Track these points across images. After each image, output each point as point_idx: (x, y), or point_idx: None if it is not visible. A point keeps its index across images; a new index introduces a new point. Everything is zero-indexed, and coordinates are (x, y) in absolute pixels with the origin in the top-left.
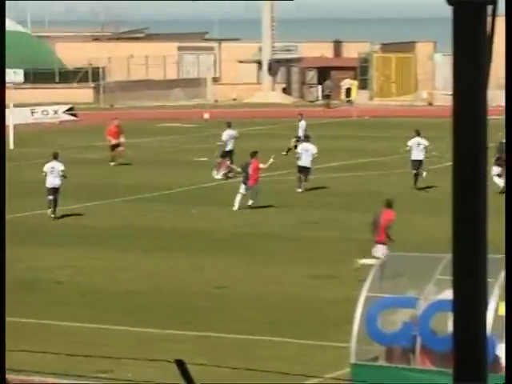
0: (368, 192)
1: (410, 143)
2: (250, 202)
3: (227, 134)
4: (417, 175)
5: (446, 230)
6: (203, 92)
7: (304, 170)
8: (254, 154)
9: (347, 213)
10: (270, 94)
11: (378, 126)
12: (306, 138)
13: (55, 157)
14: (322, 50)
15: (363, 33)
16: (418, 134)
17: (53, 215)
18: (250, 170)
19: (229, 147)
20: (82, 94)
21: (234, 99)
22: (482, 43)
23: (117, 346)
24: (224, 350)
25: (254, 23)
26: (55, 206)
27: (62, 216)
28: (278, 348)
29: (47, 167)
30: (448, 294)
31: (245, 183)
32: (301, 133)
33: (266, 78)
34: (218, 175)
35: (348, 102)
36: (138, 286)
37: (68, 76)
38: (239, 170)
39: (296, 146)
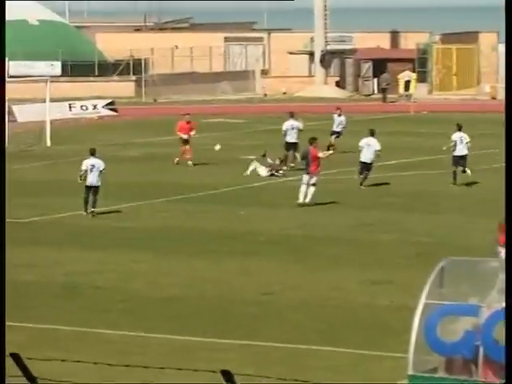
0: (427, 192)
1: (454, 138)
2: (309, 198)
3: (289, 124)
4: (455, 172)
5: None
6: (251, 85)
7: (364, 167)
8: (312, 141)
9: (405, 214)
10: (322, 87)
11: (437, 121)
12: (371, 133)
13: (92, 153)
14: (378, 41)
15: (422, 22)
16: (460, 129)
17: (87, 212)
18: (310, 158)
19: (292, 139)
20: (123, 87)
21: (284, 93)
22: None
23: (157, 355)
24: (271, 360)
25: (306, 12)
26: (93, 205)
27: (101, 216)
28: (329, 358)
29: (87, 164)
30: None
31: (307, 172)
32: (339, 128)
33: (318, 71)
34: (264, 172)
35: (406, 96)
36: (181, 291)
37: (108, 68)
38: (291, 165)
39: (330, 147)
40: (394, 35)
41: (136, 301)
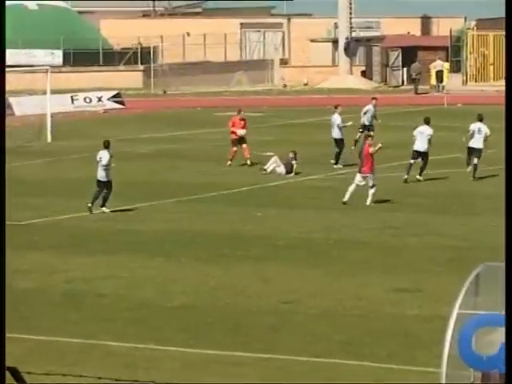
0: (459, 192)
1: (471, 127)
2: (369, 200)
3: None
4: (476, 165)
5: None
6: (269, 76)
7: (419, 155)
8: (367, 137)
9: (435, 216)
10: (347, 77)
11: (472, 115)
12: (426, 121)
13: (105, 145)
14: (407, 27)
15: (456, 7)
16: (481, 120)
17: (88, 207)
18: (363, 156)
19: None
20: (130, 78)
21: (306, 84)
22: None
23: (168, 368)
24: (291, 375)
25: None
26: (102, 204)
27: (106, 218)
28: (355, 372)
29: (97, 157)
30: None
31: (359, 171)
32: (367, 121)
33: (343, 60)
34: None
35: (439, 87)
36: (193, 299)
37: (114, 57)
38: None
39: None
40: (425, 21)
41: (144, 310)
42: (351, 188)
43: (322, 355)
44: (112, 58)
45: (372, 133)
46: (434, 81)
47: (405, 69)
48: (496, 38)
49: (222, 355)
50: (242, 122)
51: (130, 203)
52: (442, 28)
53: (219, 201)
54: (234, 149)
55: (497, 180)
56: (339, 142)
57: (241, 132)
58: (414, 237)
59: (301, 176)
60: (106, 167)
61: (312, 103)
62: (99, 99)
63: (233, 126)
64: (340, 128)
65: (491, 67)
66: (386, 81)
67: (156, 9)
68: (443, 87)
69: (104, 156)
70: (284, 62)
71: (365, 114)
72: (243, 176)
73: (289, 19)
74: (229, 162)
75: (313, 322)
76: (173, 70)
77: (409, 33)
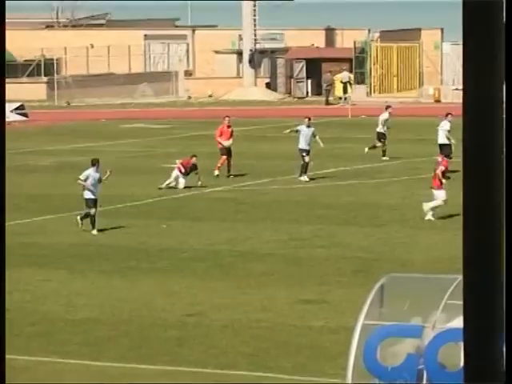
0: (364, 203)
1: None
2: (429, 214)
3: (443, 123)
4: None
5: (455, 246)
6: (174, 87)
7: (442, 148)
8: (444, 153)
9: (341, 227)
10: (251, 89)
11: (375, 126)
12: (447, 115)
13: (93, 163)
14: (311, 39)
15: (359, 19)
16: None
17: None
18: (437, 169)
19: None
20: (34, 90)
21: (210, 96)
22: (496, 30)
23: (72, 382)
24: None
25: (233, 7)
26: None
27: (8, 231)
28: None
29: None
30: (459, 322)
31: (431, 187)
32: (383, 129)
33: (247, 72)
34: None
35: (345, 98)
36: (97, 313)
37: (17, 69)
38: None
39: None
40: (329, 32)
41: (48, 323)
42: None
43: (228, 367)
44: (15, 69)
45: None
46: (338, 92)
47: (309, 80)
48: (399, 50)
49: (128, 368)
50: (230, 130)
51: (33, 216)
52: (346, 40)
53: (124, 213)
54: (224, 157)
55: (400, 191)
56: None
57: (227, 143)
58: (320, 248)
59: (206, 188)
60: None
61: (216, 115)
62: None
63: (220, 135)
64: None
65: (395, 79)
66: (290, 92)
67: (59, 20)
68: (349, 98)
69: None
70: (188, 74)
71: (385, 122)
72: (148, 188)
73: (193, 31)
74: (216, 172)
75: (218, 335)
76: (77, 81)
77: (313, 44)
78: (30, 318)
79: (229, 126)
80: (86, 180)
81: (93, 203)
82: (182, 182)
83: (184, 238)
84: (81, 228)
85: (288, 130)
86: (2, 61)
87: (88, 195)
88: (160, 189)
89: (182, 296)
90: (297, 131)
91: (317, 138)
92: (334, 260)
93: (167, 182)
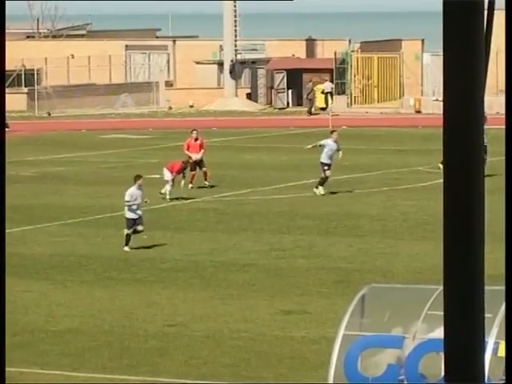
0: (345, 214)
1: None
2: None
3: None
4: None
5: (436, 257)
6: (155, 98)
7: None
8: None
9: (322, 238)
10: (232, 100)
11: (356, 137)
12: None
13: (135, 180)
14: (292, 50)
15: (340, 29)
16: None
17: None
18: None
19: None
20: (14, 100)
21: (191, 106)
22: (477, 40)
23: None
24: None
25: (214, 18)
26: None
27: None
28: None
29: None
30: (439, 332)
31: None
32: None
33: (228, 82)
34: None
35: (324, 109)
36: (78, 323)
37: None
38: None
39: None
40: (310, 43)
41: (28, 334)
42: None
43: (209, 378)
44: None
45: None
46: (319, 103)
47: (290, 91)
48: (380, 61)
49: (108, 379)
50: (198, 143)
51: (14, 226)
52: (327, 50)
53: (104, 224)
54: (193, 172)
55: (381, 201)
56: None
57: (196, 156)
58: (301, 258)
59: (186, 198)
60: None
61: (197, 125)
62: None
63: (188, 148)
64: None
65: (375, 89)
66: (271, 103)
67: (40, 31)
68: (328, 109)
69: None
70: (169, 84)
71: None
72: None
73: (174, 41)
74: (190, 185)
75: (199, 345)
76: (57, 92)
77: (294, 55)
78: (10, 328)
79: (196, 139)
80: (134, 199)
81: (132, 223)
82: (168, 188)
83: (165, 248)
84: (128, 250)
85: (311, 146)
86: (2, 64)
87: (130, 215)
88: (161, 193)
89: (162, 306)
90: (320, 145)
91: (340, 152)
92: (315, 270)
93: (168, 189)
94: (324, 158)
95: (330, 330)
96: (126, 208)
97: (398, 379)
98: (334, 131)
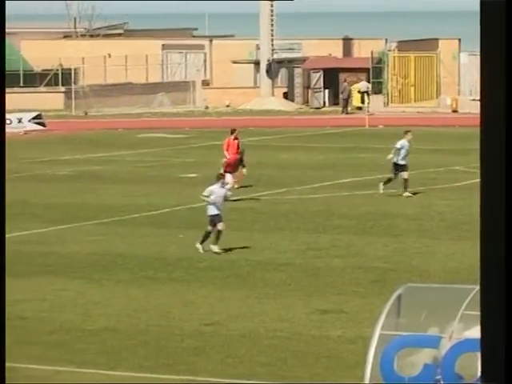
0: (382, 213)
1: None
2: None
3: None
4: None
5: (472, 257)
6: (191, 97)
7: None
8: None
9: (359, 237)
10: (268, 99)
11: (392, 136)
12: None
13: (218, 178)
14: (329, 49)
15: (377, 29)
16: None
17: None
18: None
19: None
20: (51, 99)
21: (228, 105)
22: None
23: None
24: None
25: (251, 17)
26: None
27: (26, 241)
28: None
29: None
30: (476, 332)
31: None
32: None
33: (265, 82)
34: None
35: (360, 108)
36: (114, 322)
37: (35, 79)
38: None
39: None
40: (347, 42)
41: (65, 333)
42: None
43: (245, 377)
44: (33, 79)
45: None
46: (356, 102)
47: (326, 90)
48: (417, 60)
49: (144, 378)
50: (237, 142)
51: (51, 225)
52: (364, 49)
53: (141, 222)
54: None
55: (418, 201)
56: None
57: (231, 156)
58: (337, 258)
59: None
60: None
61: (234, 124)
62: (19, 120)
63: (227, 148)
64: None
65: (412, 88)
66: (307, 102)
67: (77, 30)
68: (365, 108)
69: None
70: (206, 84)
71: (398, 150)
72: (165, 197)
73: (210, 40)
74: (235, 186)
75: (235, 344)
76: (94, 91)
77: (330, 54)
78: (47, 327)
79: (236, 138)
80: (209, 196)
81: (218, 219)
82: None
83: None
84: (199, 247)
85: (391, 155)
86: (2, 64)
87: (212, 211)
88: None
89: (199, 305)
90: (398, 149)
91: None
92: (351, 270)
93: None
94: (399, 160)
95: (367, 330)
96: (208, 204)
97: (435, 379)
98: (408, 131)
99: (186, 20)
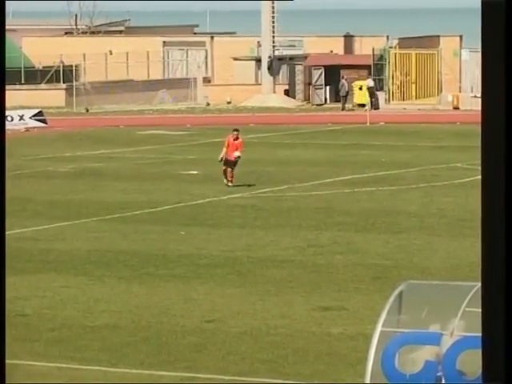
0: (383, 210)
1: None
2: None
3: None
4: None
5: (473, 254)
6: (193, 94)
7: None
8: None
9: (360, 234)
10: (269, 96)
11: (394, 133)
12: None
13: None
14: (330, 46)
15: (378, 26)
16: None
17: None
18: None
19: None
20: (53, 96)
21: (229, 102)
22: None
23: None
24: None
25: (252, 14)
26: None
27: (28, 237)
28: None
29: None
30: (477, 329)
31: None
32: None
33: (266, 78)
34: None
35: (372, 104)
36: (116, 319)
37: (36, 76)
38: None
39: None
40: (348, 39)
41: (67, 329)
42: None
43: (246, 374)
44: (34, 76)
45: None
46: (357, 99)
47: (328, 87)
48: (418, 57)
49: (146, 374)
50: (237, 143)
51: (52, 222)
52: (365, 46)
53: (142, 219)
54: (230, 168)
55: (419, 197)
56: None
57: (236, 154)
58: (338, 255)
59: (224, 194)
60: None
61: (235, 121)
62: (21, 117)
63: (227, 146)
64: None
65: (413, 85)
66: (308, 99)
67: (78, 27)
68: (369, 105)
69: None
70: (207, 81)
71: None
72: (166, 194)
73: (212, 37)
74: (229, 184)
75: (236, 341)
76: (95, 88)
77: (331, 51)
78: (48, 323)
79: (236, 138)
80: None
81: None
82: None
83: (202, 244)
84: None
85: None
86: (2, 65)
87: None
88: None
89: (200, 302)
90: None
91: None
92: (352, 267)
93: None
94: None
95: (368, 327)
96: None
97: (436, 376)
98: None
99: (188, 17)
